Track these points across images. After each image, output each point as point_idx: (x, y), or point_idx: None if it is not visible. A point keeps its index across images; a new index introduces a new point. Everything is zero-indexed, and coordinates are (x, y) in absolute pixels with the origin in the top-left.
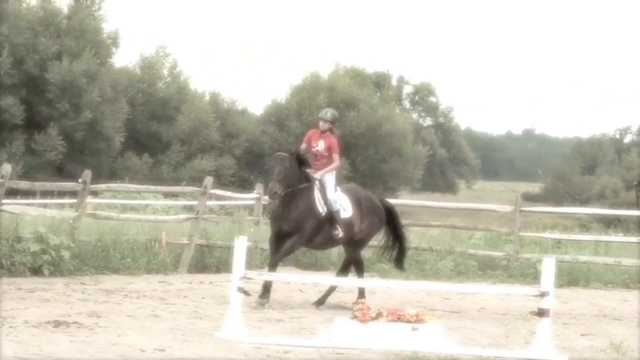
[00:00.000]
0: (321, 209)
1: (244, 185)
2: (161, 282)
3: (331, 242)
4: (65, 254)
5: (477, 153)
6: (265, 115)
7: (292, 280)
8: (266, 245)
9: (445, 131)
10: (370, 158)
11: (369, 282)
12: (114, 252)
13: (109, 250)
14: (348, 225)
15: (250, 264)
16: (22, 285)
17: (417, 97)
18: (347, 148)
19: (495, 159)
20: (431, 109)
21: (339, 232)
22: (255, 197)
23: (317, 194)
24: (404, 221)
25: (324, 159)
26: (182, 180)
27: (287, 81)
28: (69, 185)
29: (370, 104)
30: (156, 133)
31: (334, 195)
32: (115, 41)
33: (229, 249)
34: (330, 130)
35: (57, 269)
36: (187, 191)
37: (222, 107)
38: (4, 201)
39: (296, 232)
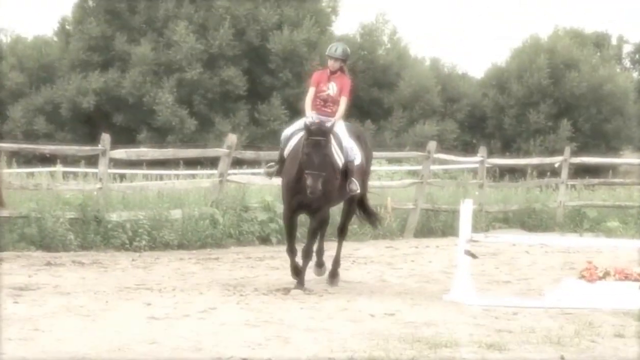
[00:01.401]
0: (339, 161)
1: (466, 148)
2: (388, 247)
3: (344, 197)
4: None
5: None
6: (486, 79)
7: (518, 242)
8: (491, 208)
9: None
10: (592, 118)
11: (595, 241)
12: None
13: (335, 217)
14: (360, 172)
15: (475, 227)
16: (251, 254)
17: (637, 56)
18: (569, 109)
19: None
20: None
21: (357, 187)
22: (479, 160)
23: (334, 146)
24: (627, 180)
25: (335, 105)
26: (405, 145)
27: (506, 45)
28: None
29: (591, 64)
30: (378, 99)
31: (348, 141)
32: (334, 9)
33: (454, 213)
34: (342, 69)
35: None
36: (410, 156)
37: (442, 72)
38: (230, 171)
39: (324, 205)
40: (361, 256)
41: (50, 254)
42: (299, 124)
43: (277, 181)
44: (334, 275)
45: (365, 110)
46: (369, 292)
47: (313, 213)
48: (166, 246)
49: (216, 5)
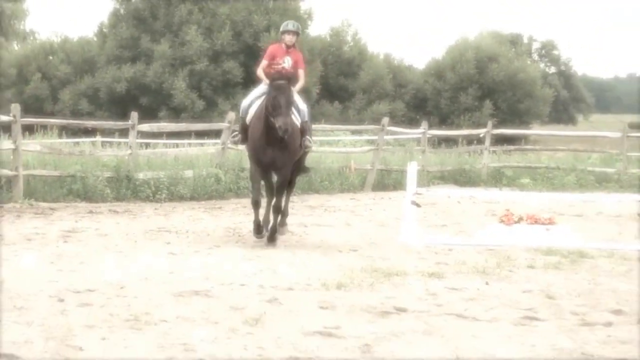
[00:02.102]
0: (297, 121)
1: (412, 123)
2: (352, 199)
3: (300, 153)
4: None
5: (591, 93)
6: (427, 69)
7: (452, 195)
8: (431, 169)
9: (566, 77)
10: (508, 99)
11: (512, 194)
12: (315, 177)
13: (311, 176)
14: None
15: (419, 183)
16: (246, 204)
17: (543, 51)
18: (491, 92)
19: (606, 97)
20: (554, 60)
21: (311, 144)
22: (422, 131)
23: (293, 109)
24: (536, 147)
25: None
26: (365, 120)
27: (443, 42)
28: None
29: (507, 58)
30: (343, 85)
31: (303, 104)
32: (310, 16)
33: (402, 172)
34: (294, 45)
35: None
36: (369, 128)
37: (393, 64)
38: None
39: (289, 160)
40: (330, 206)
41: (91, 204)
42: (254, 93)
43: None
44: (282, 224)
45: (334, 94)
46: (338, 233)
47: (279, 169)
48: (181, 198)
49: (219, 12)
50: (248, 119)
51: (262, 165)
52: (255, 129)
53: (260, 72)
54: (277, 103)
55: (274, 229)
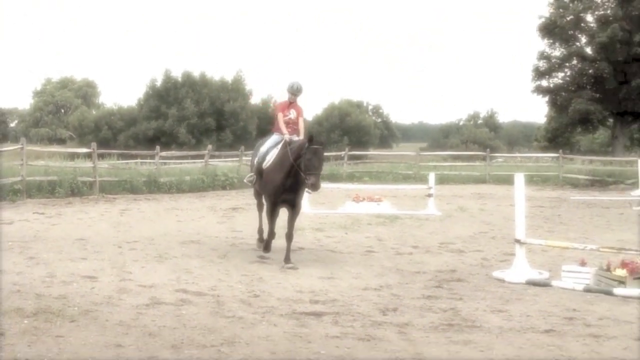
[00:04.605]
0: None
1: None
2: None
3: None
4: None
5: (399, 132)
6: (312, 120)
7: (329, 187)
8: None
9: (386, 123)
10: (357, 135)
11: (359, 186)
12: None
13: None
14: None
15: None
16: (219, 194)
17: (374, 110)
18: (348, 132)
19: (408, 134)
20: (380, 115)
21: (310, 191)
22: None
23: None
24: (372, 160)
25: (295, 125)
26: None
27: (320, 104)
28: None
29: (356, 114)
30: (269, 131)
31: None
32: (251, 92)
33: None
34: (295, 101)
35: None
36: None
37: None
38: (210, 160)
39: (299, 197)
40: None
41: (135, 195)
42: (270, 142)
43: (228, 162)
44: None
45: (265, 137)
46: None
47: (293, 206)
48: (183, 192)
49: (202, 92)
50: (265, 164)
51: (279, 204)
52: (275, 175)
53: (281, 124)
54: (312, 165)
55: (288, 254)
